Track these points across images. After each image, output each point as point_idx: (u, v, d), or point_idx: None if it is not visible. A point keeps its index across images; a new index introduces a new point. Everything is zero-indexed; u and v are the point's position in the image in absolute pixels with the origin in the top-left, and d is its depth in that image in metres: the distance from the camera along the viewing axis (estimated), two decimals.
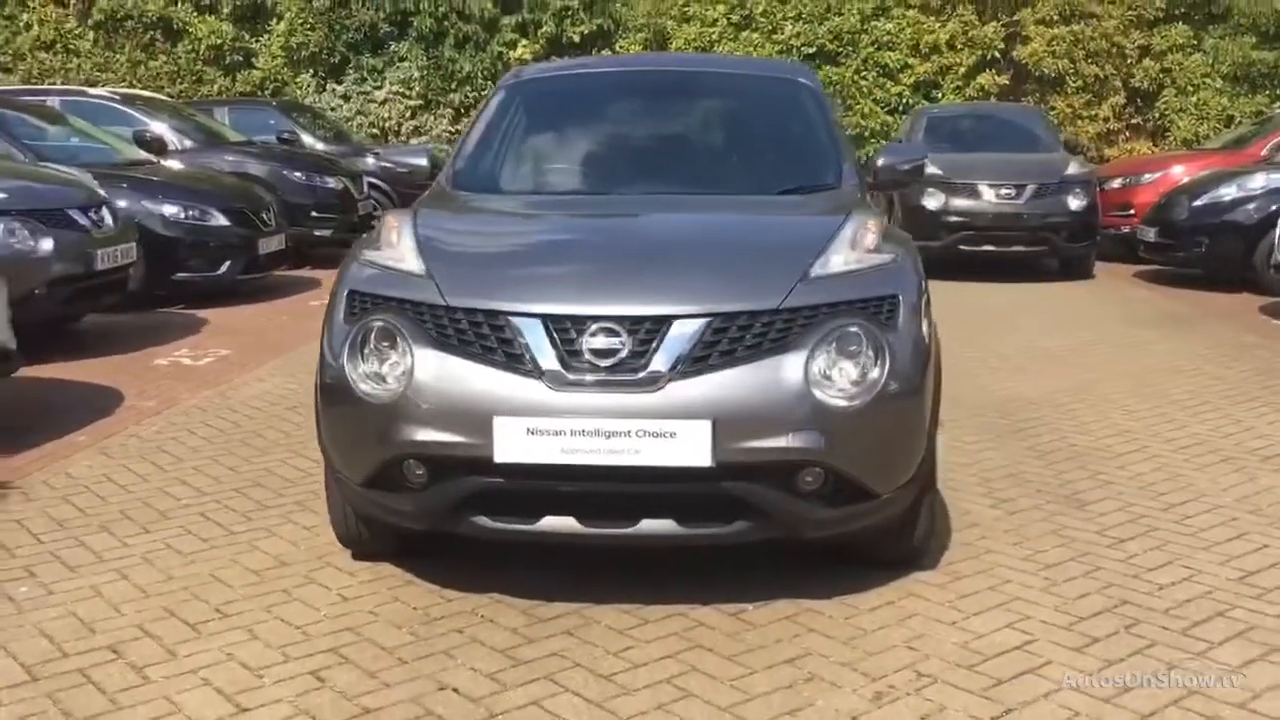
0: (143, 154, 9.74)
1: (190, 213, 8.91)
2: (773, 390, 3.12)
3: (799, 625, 3.28)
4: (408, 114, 17.38)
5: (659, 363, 3.12)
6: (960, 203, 11.12)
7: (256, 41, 17.70)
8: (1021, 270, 11.32)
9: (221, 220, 9.02)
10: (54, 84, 15.80)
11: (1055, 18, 16.22)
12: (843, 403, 3.17)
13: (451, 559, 3.66)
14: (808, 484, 3.18)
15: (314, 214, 11.15)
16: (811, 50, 16.50)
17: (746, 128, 4.88)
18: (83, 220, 7.16)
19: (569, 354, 3.15)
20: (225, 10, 17.49)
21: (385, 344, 3.31)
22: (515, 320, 3.19)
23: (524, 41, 17.03)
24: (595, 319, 3.16)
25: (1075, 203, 11.09)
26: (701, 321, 3.16)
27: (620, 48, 16.71)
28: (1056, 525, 4.10)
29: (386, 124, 17.32)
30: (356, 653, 3.11)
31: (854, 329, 3.23)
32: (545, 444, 3.08)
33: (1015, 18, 16.50)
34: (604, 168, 4.56)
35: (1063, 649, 3.13)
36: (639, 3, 16.95)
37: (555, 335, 3.16)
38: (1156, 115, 16.63)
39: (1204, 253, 10.08)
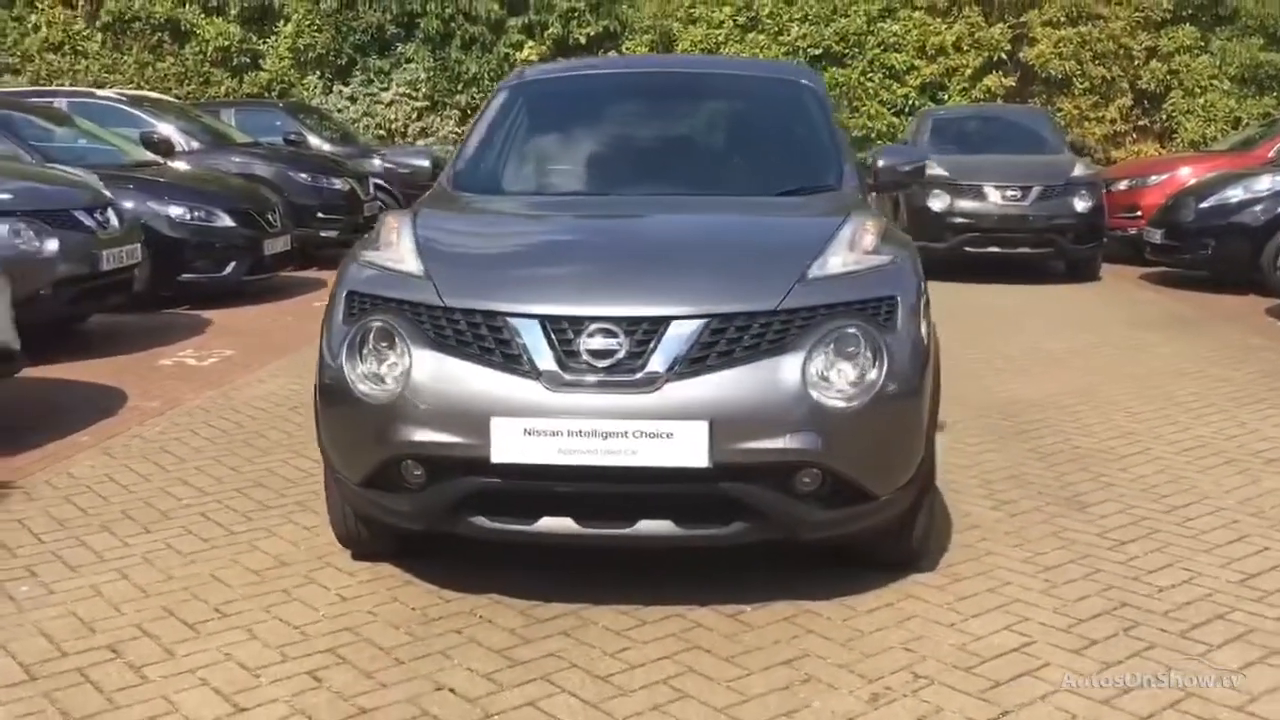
0: (149, 155, 9.78)
1: (196, 214, 8.93)
2: (770, 391, 3.12)
3: (797, 626, 3.27)
4: (414, 115, 17.41)
5: (656, 363, 3.12)
6: (966, 204, 11.10)
7: (264, 43, 17.76)
8: (1027, 272, 11.30)
9: (227, 221, 9.04)
10: (62, 85, 15.87)
11: (1062, 19, 16.19)
12: (840, 404, 3.16)
13: (450, 559, 3.67)
14: (805, 485, 3.18)
15: (320, 215, 11.18)
16: (818, 52, 16.50)
17: (747, 129, 4.88)
18: (88, 221, 7.18)
19: (566, 354, 3.15)
20: (233, 12, 17.55)
21: (384, 344, 3.31)
22: (513, 321, 3.20)
23: (530, 43, 17.06)
24: (593, 319, 3.16)
25: (1081, 204, 11.06)
26: (699, 322, 3.16)
27: (626, 49, 16.73)
28: (1057, 527, 4.09)
29: (393, 125, 17.36)
30: (354, 653, 3.12)
31: (852, 330, 3.23)
32: (542, 444, 3.08)
33: (1022, 19, 16.48)
34: (604, 169, 4.56)
35: (1061, 651, 3.12)
36: (645, 4, 16.96)
37: (553, 336, 3.16)
38: (1164, 117, 16.59)
39: (1210, 255, 10.06)
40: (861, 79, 16.48)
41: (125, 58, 17.62)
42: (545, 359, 3.14)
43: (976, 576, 3.64)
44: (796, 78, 5.21)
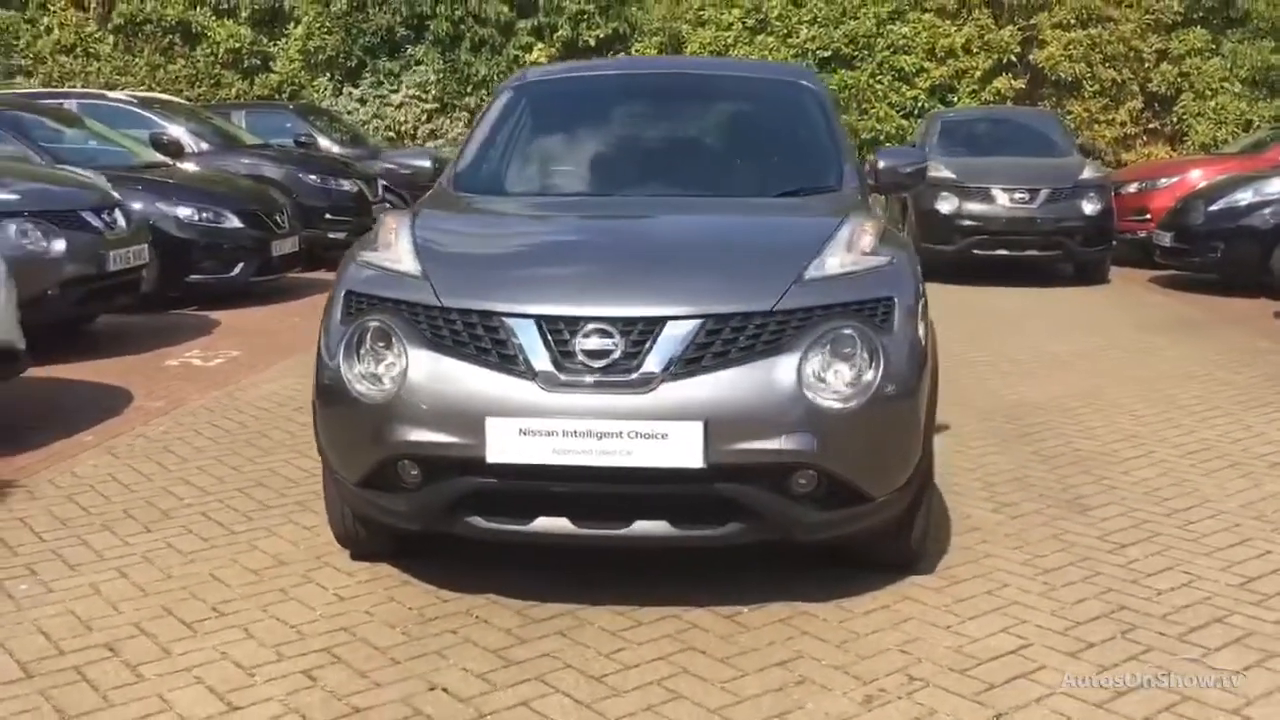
0: (159, 157, 9.82)
1: (204, 215, 8.97)
2: (765, 392, 3.11)
3: (792, 628, 3.27)
4: (424, 117, 17.46)
5: (652, 364, 3.12)
6: (974, 207, 11.07)
7: (274, 45, 17.84)
8: (1035, 275, 11.27)
9: (235, 222, 9.07)
10: (74, 87, 15.96)
11: (1072, 21, 16.16)
12: (836, 405, 3.16)
13: (448, 559, 3.67)
14: (801, 486, 3.17)
15: (328, 216, 11.22)
16: (827, 54, 16.49)
17: (747, 130, 4.88)
18: (95, 222, 7.22)
19: (562, 355, 3.15)
20: (243, 14, 17.64)
21: (381, 344, 3.32)
22: (509, 321, 3.20)
23: (539, 45, 17.09)
24: (588, 320, 3.16)
25: (1090, 207, 11.03)
26: (695, 323, 3.16)
27: (636, 51, 16.75)
28: (1057, 530, 4.08)
29: (403, 127, 17.41)
30: (349, 652, 3.12)
31: (848, 331, 3.22)
32: (537, 444, 3.08)
33: (1032, 21, 16.45)
34: (604, 170, 4.56)
35: (1057, 653, 3.11)
36: (654, 7, 16.98)
37: (548, 336, 3.16)
38: (1174, 120, 16.54)
39: (1219, 258, 10.02)
40: (871, 81, 16.47)
41: (137, 60, 17.71)
42: (541, 359, 3.14)
43: (975, 579, 3.63)
44: (797, 79, 5.21)
